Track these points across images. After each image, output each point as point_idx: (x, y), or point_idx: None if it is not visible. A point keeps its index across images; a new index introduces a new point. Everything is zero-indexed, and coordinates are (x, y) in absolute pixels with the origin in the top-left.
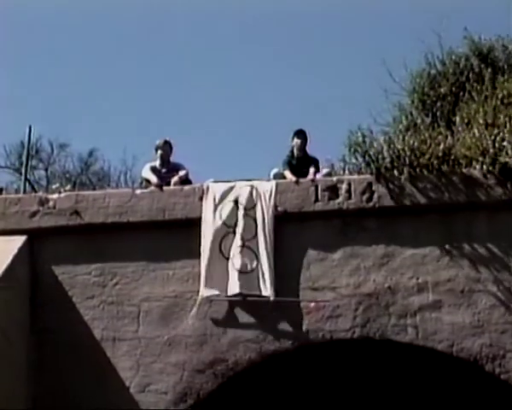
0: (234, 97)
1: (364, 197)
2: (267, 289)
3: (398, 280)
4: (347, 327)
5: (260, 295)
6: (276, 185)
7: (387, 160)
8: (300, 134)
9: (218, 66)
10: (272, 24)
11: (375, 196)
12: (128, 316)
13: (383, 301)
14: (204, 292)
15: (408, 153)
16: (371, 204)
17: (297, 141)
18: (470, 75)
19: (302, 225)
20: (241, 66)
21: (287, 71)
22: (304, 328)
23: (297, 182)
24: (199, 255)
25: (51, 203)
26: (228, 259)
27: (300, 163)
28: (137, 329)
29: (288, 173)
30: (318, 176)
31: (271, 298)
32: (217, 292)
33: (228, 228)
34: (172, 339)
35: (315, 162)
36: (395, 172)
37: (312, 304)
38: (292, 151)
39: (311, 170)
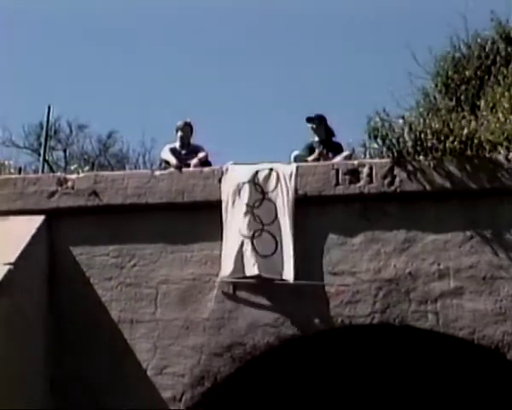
0: (255, 79)
1: (386, 181)
2: (286, 273)
3: (419, 266)
4: (367, 313)
5: (280, 279)
6: (297, 168)
7: (409, 143)
8: (317, 119)
9: (239, 47)
10: (293, 3)
11: (397, 180)
12: (146, 298)
13: (404, 286)
14: (223, 274)
15: (429, 136)
16: (392, 188)
17: (312, 125)
18: (496, 59)
19: (322, 209)
20: (264, 47)
21: (309, 53)
22: (323, 313)
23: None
24: (218, 238)
25: (70, 184)
26: (247, 242)
27: (323, 147)
28: (155, 311)
29: (310, 159)
30: (338, 158)
31: (290, 281)
32: (236, 274)
33: (248, 211)
34: (190, 322)
35: (337, 147)
36: (417, 157)
37: (333, 290)
38: (314, 134)
39: (337, 158)
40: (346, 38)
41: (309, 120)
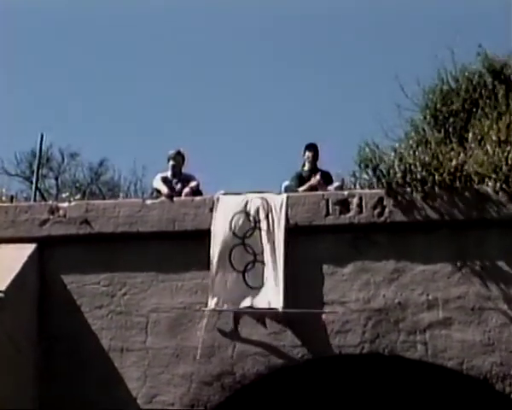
0: (246, 111)
1: (376, 212)
2: (276, 301)
3: (409, 296)
4: (356, 342)
5: (269, 308)
6: (287, 198)
7: (399, 175)
8: (311, 148)
9: (231, 78)
10: (283, 35)
11: (387, 210)
12: (136, 326)
13: (393, 316)
14: (212, 304)
15: (419, 168)
16: (382, 219)
17: (308, 154)
18: (483, 92)
19: (313, 239)
20: (253, 79)
21: (298, 83)
22: (313, 342)
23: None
24: (208, 267)
25: (61, 212)
26: (238, 271)
27: (311, 177)
28: (145, 339)
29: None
30: (330, 188)
31: (280, 310)
32: (225, 304)
33: (238, 240)
34: (180, 350)
35: (327, 176)
36: (407, 188)
37: (322, 319)
38: (304, 164)
39: (317, 177)
40: (334, 70)
41: (309, 147)
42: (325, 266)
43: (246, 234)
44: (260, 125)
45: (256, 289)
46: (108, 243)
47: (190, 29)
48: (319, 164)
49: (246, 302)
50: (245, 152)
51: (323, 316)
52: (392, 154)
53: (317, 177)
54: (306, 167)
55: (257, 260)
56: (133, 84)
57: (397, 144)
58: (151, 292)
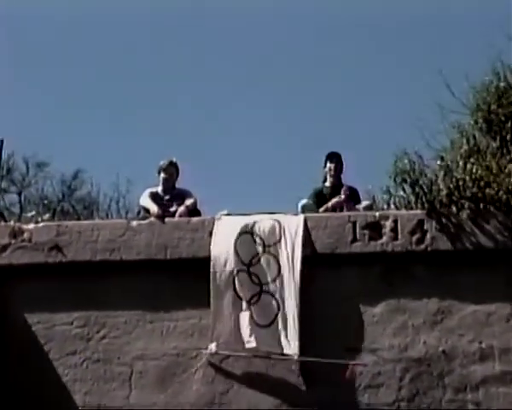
0: (254, 114)
1: (414, 238)
2: (290, 347)
3: (456, 343)
4: (390, 400)
5: (282, 354)
6: (305, 220)
7: (443, 192)
8: (334, 158)
9: (238, 78)
10: (308, 31)
11: (428, 236)
12: (118, 378)
13: (436, 369)
14: (213, 348)
15: (469, 184)
16: (422, 247)
17: (330, 166)
18: None
19: (336, 270)
20: (268, 77)
21: (319, 81)
22: (336, 399)
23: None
24: (207, 304)
25: (26, 235)
26: (243, 307)
27: (335, 193)
28: (129, 394)
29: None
30: (357, 208)
31: (295, 357)
32: (228, 348)
33: (244, 270)
34: (173, 408)
35: (353, 193)
36: (453, 208)
37: (348, 371)
38: (325, 178)
39: (341, 195)
40: (361, 60)
41: (331, 157)
42: (351, 305)
43: (252, 260)
44: (272, 131)
45: (265, 327)
46: (84, 273)
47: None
48: (344, 178)
49: (252, 344)
50: (254, 165)
51: (349, 367)
52: (436, 166)
53: (342, 194)
54: (328, 182)
55: (263, 290)
56: (115, 80)
57: (441, 154)
58: (136, 335)
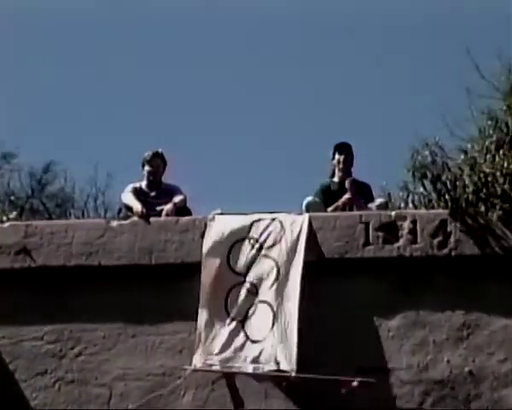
0: (257, 95)
1: (435, 241)
2: (287, 362)
3: (485, 363)
4: None
5: (278, 370)
6: (310, 220)
7: (470, 189)
8: (343, 149)
9: (236, 63)
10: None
11: (451, 239)
12: (95, 402)
13: (462, 392)
14: (200, 363)
15: (500, 180)
16: (445, 251)
17: (339, 158)
18: None
19: (345, 278)
20: (270, 59)
21: (324, 62)
22: None
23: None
24: (197, 316)
25: None
26: (236, 320)
27: (344, 190)
28: None
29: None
30: (370, 206)
31: (293, 373)
32: (219, 366)
33: (239, 277)
34: None
35: (365, 189)
36: (481, 207)
37: (354, 382)
38: (332, 173)
39: (352, 191)
40: (373, 36)
41: (340, 148)
42: (363, 318)
43: (249, 269)
44: (273, 119)
45: (261, 342)
46: (56, 281)
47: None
48: (354, 172)
49: (247, 361)
50: (252, 157)
51: (359, 389)
52: (461, 158)
53: (347, 188)
54: (336, 177)
55: (261, 301)
56: (98, 63)
57: (467, 145)
58: (117, 352)
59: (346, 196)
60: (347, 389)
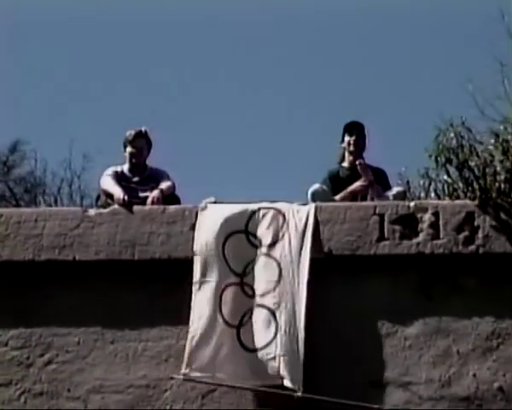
0: (260, 66)
1: (461, 237)
2: (292, 378)
3: None
4: None
5: (281, 387)
6: (316, 211)
7: (501, 177)
8: (354, 129)
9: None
10: None
11: (480, 235)
12: None
13: None
14: (187, 370)
15: None
16: (472, 248)
17: (349, 140)
18: None
19: (356, 278)
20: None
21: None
22: None
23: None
24: (187, 319)
25: None
26: (230, 326)
27: (355, 177)
28: None
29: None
30: (386, 195)
31: (299, 393)
32: (211, 376)
33: (235, 276)
34: None
35: (380, 176)
36: None
37: None
38: (342, 158)
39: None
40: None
41: (350, 128)
42: (376, 324)
43: (246, 267)
44: (275, 95)
45: (260, 352)
46: (25, 277)
47: None
48: (367, 157)
49: (243, 374)
50: (251, 138)
51: (370, 405)
52: (492, 142)
53: (367, 175)
54: (346, 162)
55: (260, 306)
56: (76, 35)
57: (499, 127)
58: (93, 360)
59: (359, 182)
60: None
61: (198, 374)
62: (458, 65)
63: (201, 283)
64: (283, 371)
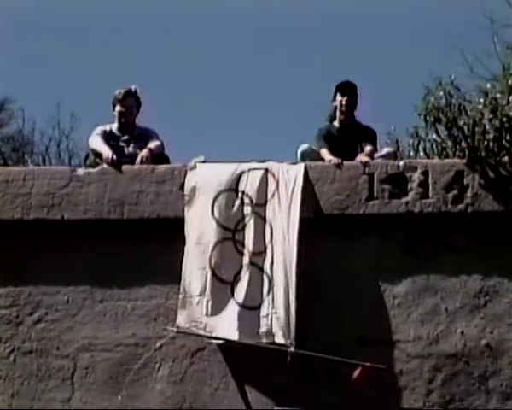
0: (247, 33)
1: (450, 196)
2: (285, 334)
3: (504, 335)
4: (417, 407)
5: (273, 343)
6: (306, 170)
7: (490, 135)
8: (347, 89)
9: None
10: None
11: (468, 193)
12: (56, 375)
13: (478, 368)
14: (184, 325)
15: None
16: (461, 207)
17: (341, 100)
18: None
19: (346, 237)
20: None
21: None
22: (345, 404)
23: (339, 165)
24: (176, 278)
25: None
26: (223, 282)
27: (346, 136)
28: (70, 397)
29: (325, 152)
30: (375, 156)
31: (291, 349)
32: (203, 331)
33: (225, 232)
34: None
35: (370, 135)
36: (503, 157)
37: (357, 371)
38: (332, 116)
39: (368, 147)
40: None
41: (342, 88)
42: (365, 283)
43: (237, 225)
44: (265, 54)
45: (252, 310)
46: (13, 237)
47: None
48: (358, 116)
49: (234, 331)
50: (241, 96)
51: (358, 374)
52: (481, 101)
53: (368, 147)
54: (337, 121)
55: (254, 263)
56: None
57: (488, 85)
58: (82, 318)
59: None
60: (360, 378)
61: (192, 327)
62: (447, 22)
63: (192, 240)
64: (275, 329)
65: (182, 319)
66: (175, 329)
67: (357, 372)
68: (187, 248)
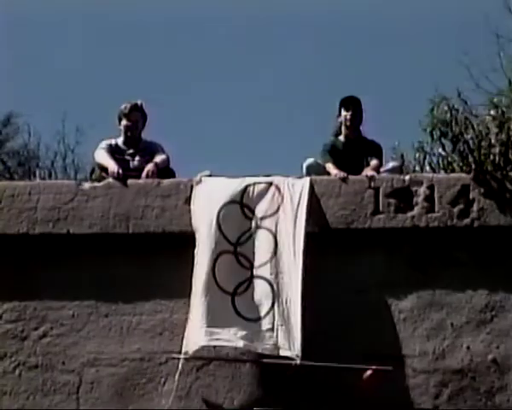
0: (253, 46)
1: (456, 210)
2: (290, 347)
3: (511, 350)
4: None
5: (279, 356)
6: (311, 184)
7: (496, 149)
8: (351, 104)
9: None
10: None
11: (474, 208)
12: (62, 390)
13: (484, 383)
14: (189, 347)
15: None
16: (467, 221)
17: (346, 114)
18: None
19: (351, 252)
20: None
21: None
22: None
23: (345, 179)
24: (182, 293)
25: None
26: (228, 294)
27: (352, 150)
28: None
29: (330, 166)
30: (381, 170)
31: (297, 361)
32: (207, 349)
33: (228, 244)
34: None
35: (376, 150)
36: (509, 171)
37: (368, 372)
38: (338, 131)
39: (373, 161)
40: None
41: (346, 103)
42: (371, 297)
43: (240, 238)
44: (272, 70)
45: (256, 322)
46: (18, 251)
47: None
48: (363, 131)
49: (239, 344)
50: (248, 112)
51: (367, 377)
52: (487, 114)
53: (374, 162)
54: (343, 136)
55: (255, 275)
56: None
57: (495, 99)
58: (87, 333)
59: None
60: (369, 381)
61: (197, 349)
62: (454, 37)
63: (198, 253)
64: (281, 341)
65: (188, 344)
66: (182, 356)
67: (367, 374)
68: (195, 265)
